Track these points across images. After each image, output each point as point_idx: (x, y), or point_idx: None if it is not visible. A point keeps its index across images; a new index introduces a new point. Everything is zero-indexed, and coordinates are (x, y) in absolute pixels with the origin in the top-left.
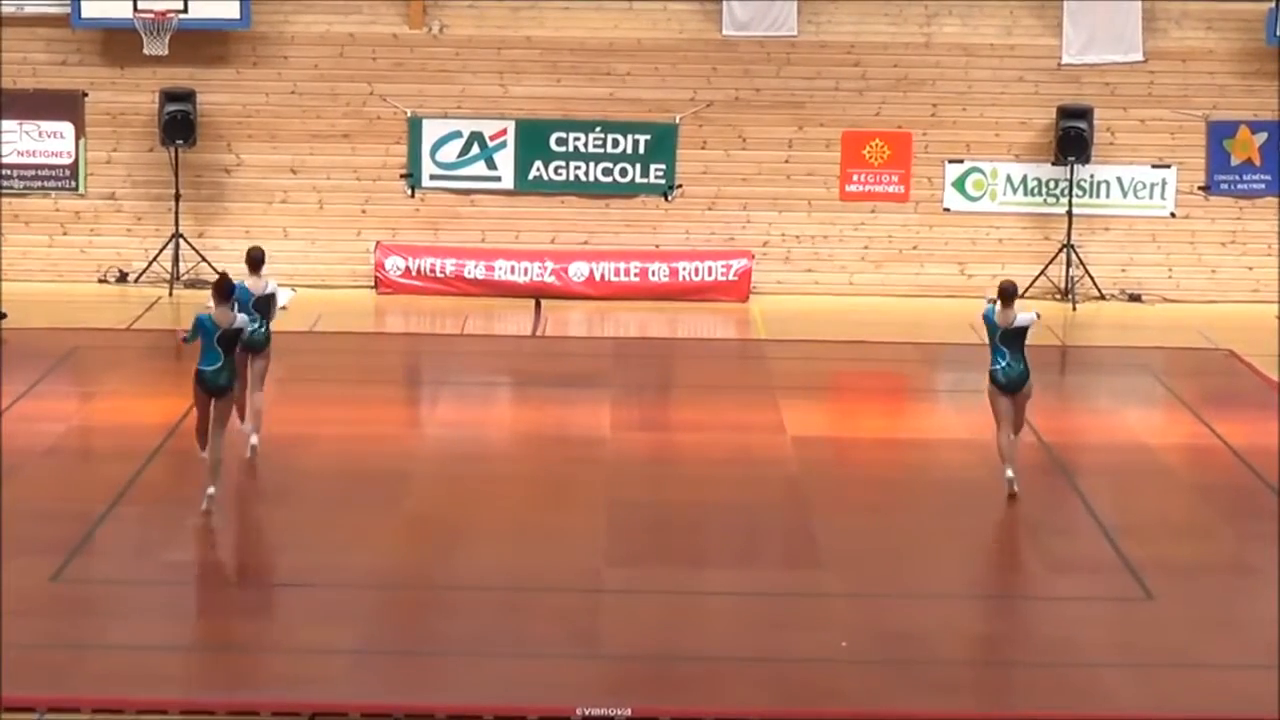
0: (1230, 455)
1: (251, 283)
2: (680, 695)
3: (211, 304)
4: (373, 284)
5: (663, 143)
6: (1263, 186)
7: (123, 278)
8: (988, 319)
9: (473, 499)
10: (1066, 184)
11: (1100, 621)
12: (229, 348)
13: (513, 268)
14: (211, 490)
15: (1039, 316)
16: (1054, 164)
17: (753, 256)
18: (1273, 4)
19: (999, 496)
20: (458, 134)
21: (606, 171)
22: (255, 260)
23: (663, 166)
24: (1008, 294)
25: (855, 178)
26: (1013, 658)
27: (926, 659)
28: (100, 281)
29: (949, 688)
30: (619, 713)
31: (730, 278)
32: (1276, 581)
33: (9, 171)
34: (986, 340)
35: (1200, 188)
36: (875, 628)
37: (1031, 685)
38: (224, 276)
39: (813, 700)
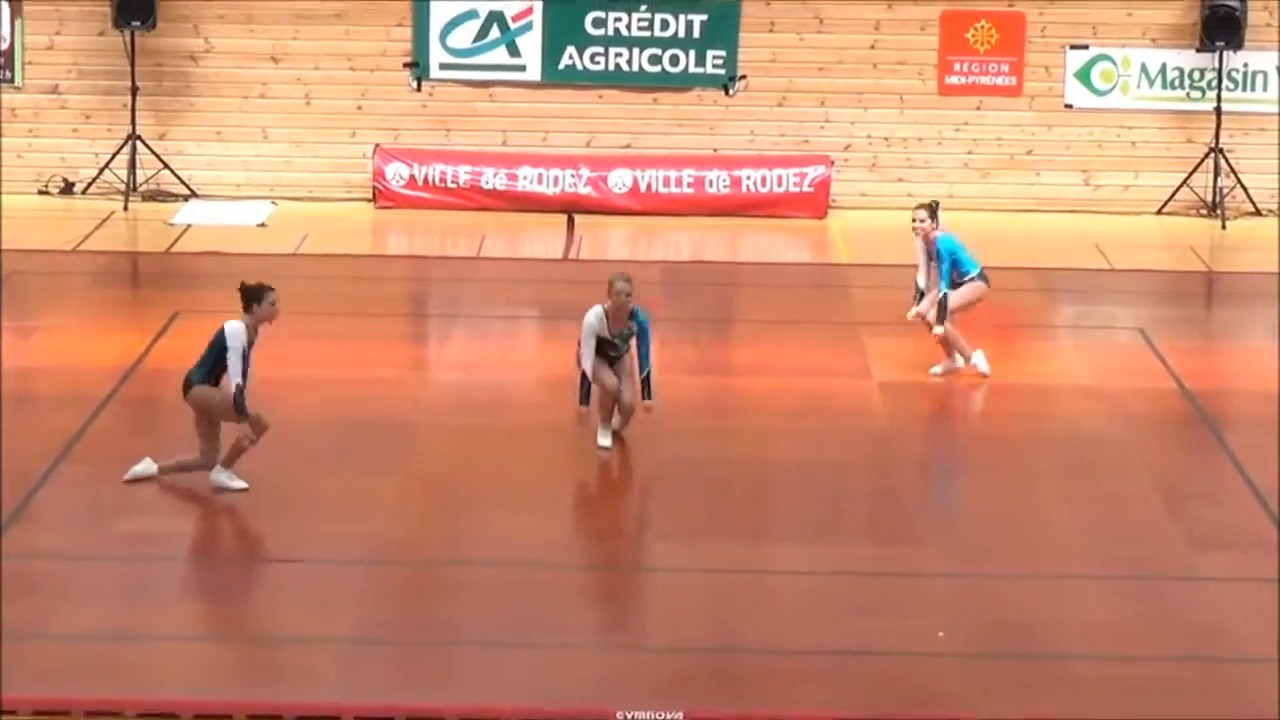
0: None
1: None
2: (743, 696)
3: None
4: (370, 196)
5: (722, 24)
6: None
7: (68, 188)
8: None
9: (491, 456)
10: (1214, 75)
11: (1255, 607)
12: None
13: (540, 176)
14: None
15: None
16: (1199, 50)
17: (832, 163)
18: None
19: (1131, 454)
20: (473, 14)
21: (654, 59)
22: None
23: (722, 53)
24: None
25: (957, 67)
26: (1149, 651)
27: (1043, 652)
28: (41, 193)
29: (1071, 686)
30: (668, 717)
31: (805, 189)
32: None
33: None
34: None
35: None
36: (982, 614)
37: (1173, 683)
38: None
39: (905, 703)
